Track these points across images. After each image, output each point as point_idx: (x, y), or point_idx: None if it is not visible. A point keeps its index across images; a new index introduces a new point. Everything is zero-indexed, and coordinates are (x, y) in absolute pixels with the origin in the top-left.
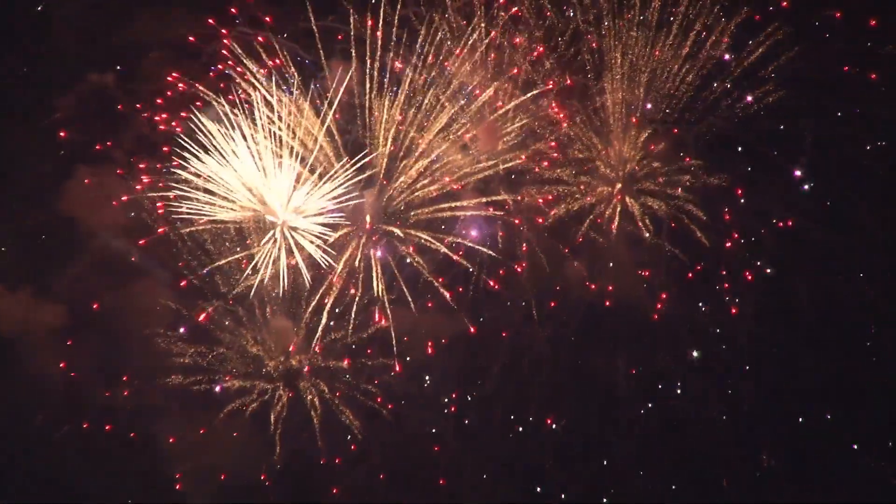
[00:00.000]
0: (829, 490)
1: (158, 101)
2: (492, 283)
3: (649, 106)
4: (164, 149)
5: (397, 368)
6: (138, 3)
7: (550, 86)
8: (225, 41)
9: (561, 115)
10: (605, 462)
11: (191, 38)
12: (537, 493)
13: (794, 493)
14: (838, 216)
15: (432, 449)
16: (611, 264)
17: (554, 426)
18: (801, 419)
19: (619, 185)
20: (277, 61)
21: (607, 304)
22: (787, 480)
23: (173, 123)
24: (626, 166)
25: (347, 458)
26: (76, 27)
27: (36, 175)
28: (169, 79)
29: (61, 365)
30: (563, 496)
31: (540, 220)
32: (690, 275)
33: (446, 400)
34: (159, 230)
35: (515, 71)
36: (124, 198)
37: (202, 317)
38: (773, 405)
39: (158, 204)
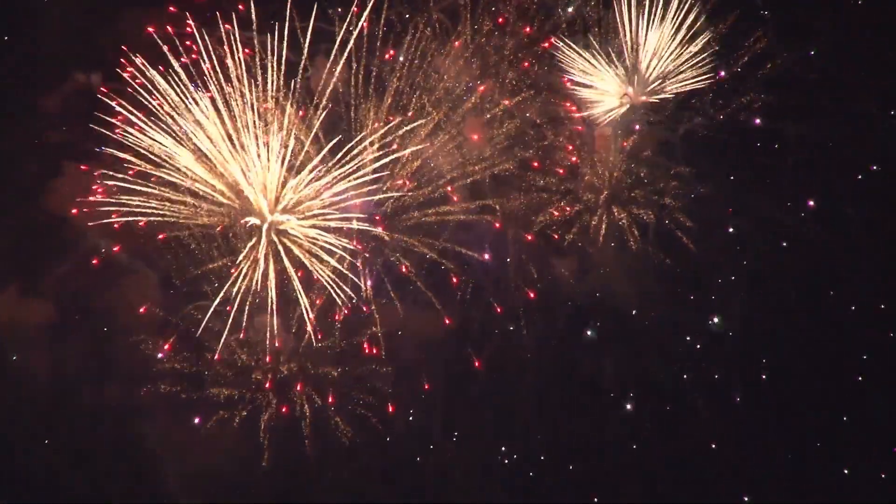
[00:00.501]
0: (825, 490)
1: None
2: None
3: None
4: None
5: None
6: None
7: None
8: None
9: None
10: (596, 463)
11: (149, 29)
12: (528, 494)
13: (789, 494)
14: (828, 216)
15: (422, 450)
16: (599, 269)
17: (543, 427)
18: (795, 420)
19: (605, 193)
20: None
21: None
22: (783, 481)
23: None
24: (612, 174)
25: (337, 461)
26: (65, 27)
27: (24, 174)
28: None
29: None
30: (554, 496)
31: (527, 233)
32: (680, 278)
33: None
34: (114, 248)
35: (525, 64)
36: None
37: (167, 345)
38: (767, 406)
39: (114, 214)
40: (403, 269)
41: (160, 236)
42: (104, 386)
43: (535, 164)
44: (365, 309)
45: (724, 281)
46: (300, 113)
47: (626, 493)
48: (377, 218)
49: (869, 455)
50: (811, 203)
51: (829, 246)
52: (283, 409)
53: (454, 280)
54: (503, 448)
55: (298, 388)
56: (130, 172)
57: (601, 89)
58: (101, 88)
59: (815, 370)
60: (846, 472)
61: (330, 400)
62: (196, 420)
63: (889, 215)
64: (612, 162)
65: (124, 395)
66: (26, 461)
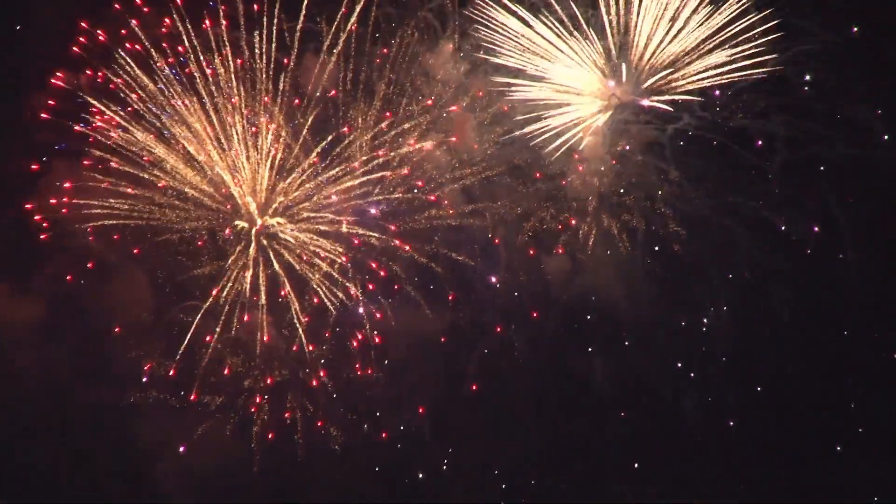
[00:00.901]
0: (824, 490)
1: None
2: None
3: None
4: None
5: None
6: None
7: None
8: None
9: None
10: (587, 464)
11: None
12: (518, 495)
13: (779, 494)
14: (823, 218)
15: (412, 451)
16: (590, 274)
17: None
18: (783, 420)
19: (594, 200)
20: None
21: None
22: (771, 480)
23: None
24: (601, 180)
25: (328, 463)
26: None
27: (12, 172)
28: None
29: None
30: (545, 496)
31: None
32: (671, 281)
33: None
34: (89, 265)
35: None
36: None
37: (146, 368)
38: (755, 406)
39: (87, 228)
40: (395, 280)
41: (135, 251)
42: (93, 389)
43: (538, 174)
44: (377, 339)
45: (718, 283)
46: (295, 102)
47: (621, 494)
48: (393, 228)
49: (868, 456)
50: (805, 205)
51: (825, 247)
52: (275, 416)
53: (450, 296)
54: (496, 454)
55: (289, 395)
56: (106, 184)
57: (587, 91)
58: (51, 84)
59: (811, 372)
60: (843, 472)
61: (321, 407)
62: (181, 449)
63: (884, 217)
64: (601, 167)
65: (113, 399)
66: (24, 462)
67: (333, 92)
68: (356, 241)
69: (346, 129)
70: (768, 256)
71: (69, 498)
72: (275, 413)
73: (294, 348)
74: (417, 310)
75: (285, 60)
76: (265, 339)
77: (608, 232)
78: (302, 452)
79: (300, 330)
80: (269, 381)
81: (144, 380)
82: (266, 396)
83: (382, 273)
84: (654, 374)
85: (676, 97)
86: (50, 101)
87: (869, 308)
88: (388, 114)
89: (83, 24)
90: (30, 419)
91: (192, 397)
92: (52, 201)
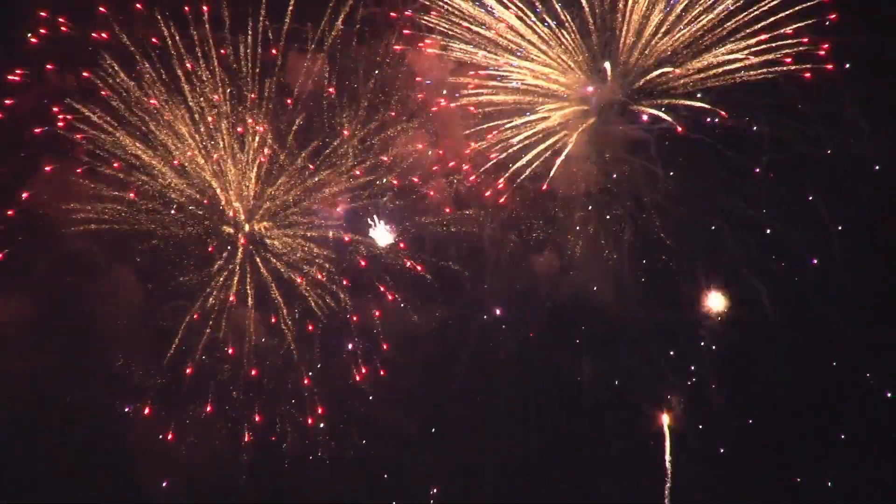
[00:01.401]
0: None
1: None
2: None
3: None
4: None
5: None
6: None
7: None
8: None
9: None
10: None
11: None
12: (508, 493)
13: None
14: (803, 216)
15: (402, 450)
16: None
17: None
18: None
19: (581, 207)
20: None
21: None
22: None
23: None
24: (587, 185)
25: (318, 465)
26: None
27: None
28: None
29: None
30: (536, 494)
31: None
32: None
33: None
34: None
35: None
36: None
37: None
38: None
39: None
40: (384, 286)
41: (117, 259)
42: (83, 393)
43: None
44: (383, 372)
45: (707, 284)
46: (287, 102)
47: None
48: (402, 247)
49: (866, 457)
50: (799, 205)
51: (821, 248)
52: (263, 425)
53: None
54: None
55: (279, 402)
56: (91, 189)
57: (573, 93)
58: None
59: (810, 372)
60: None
61: (310, 420)
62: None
63: (882, 217)
64: (587, 168)
65: (105, 403)
66: (21, 462)
67: (331, 91)
68: (363, 263)
69: (345, 132)
70: (761, 257)
71: (65, 498)
72: (263, 419)
73: (282, 351)
74: (407, 316)
75: (273, 51)
76: (252, 343)
77: (596, 233)
78: (290, 457)
79: (288, 336)
80: (258, 387)
81: (126, 407)
82: (254, 404)
83: (377, 282)
84: (649, 375)
85: (664, 100)
86: (7, 101)
87: (868, 308)
88: (392, 114)
89: (43, 14)
90: (25, 421)
91: (181, 405)
92: (9, 213)
